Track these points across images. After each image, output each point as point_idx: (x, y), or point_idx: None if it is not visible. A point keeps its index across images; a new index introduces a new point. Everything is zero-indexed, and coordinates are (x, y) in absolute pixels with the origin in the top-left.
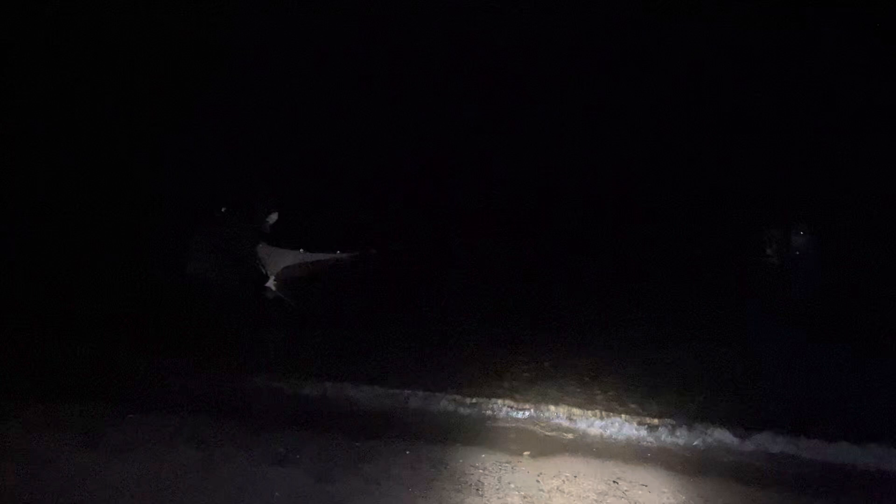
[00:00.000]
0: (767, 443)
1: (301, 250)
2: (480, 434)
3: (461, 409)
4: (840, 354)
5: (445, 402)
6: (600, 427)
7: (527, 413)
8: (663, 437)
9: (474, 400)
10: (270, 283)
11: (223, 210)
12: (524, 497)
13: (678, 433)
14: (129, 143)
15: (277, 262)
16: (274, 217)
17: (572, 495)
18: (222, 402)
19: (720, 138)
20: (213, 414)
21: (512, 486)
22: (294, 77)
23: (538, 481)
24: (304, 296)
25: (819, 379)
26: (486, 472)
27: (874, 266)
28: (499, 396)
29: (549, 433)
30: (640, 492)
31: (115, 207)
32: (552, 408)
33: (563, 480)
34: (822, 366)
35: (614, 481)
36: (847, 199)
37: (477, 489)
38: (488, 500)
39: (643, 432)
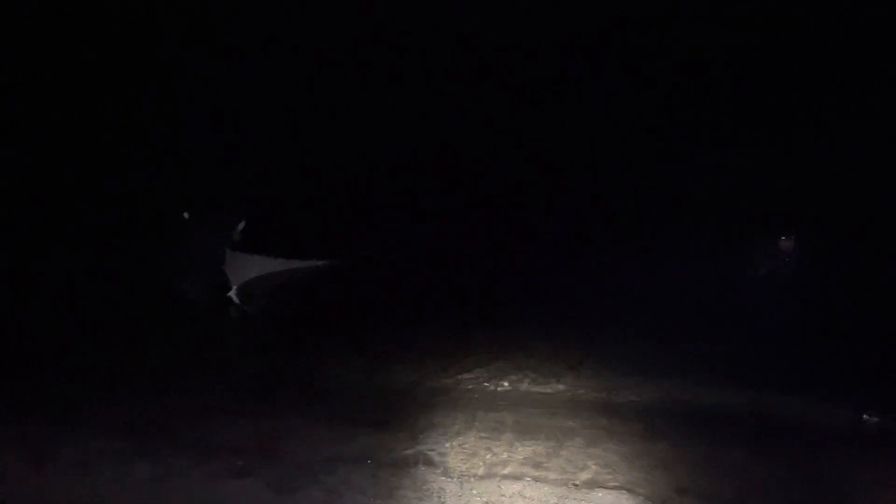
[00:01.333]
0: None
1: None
2: (444, 440)
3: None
4: None
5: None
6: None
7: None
8: None
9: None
10: (233, 293)
11: (186, 216)
12: (486, 503)
13: None
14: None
15: (244, 271)
16: (242, 224)
17: (533, 499)
18: (177, 418)
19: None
20: (168, 431)
21: (474, 491)
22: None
23: (500, 486)
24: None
25: None
26: (449, 478)
27: None
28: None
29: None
30: (600, 494)
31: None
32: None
33: (525, 485)
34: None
35: (575, 484)
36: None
37: (439, 496)
38: None
39: None
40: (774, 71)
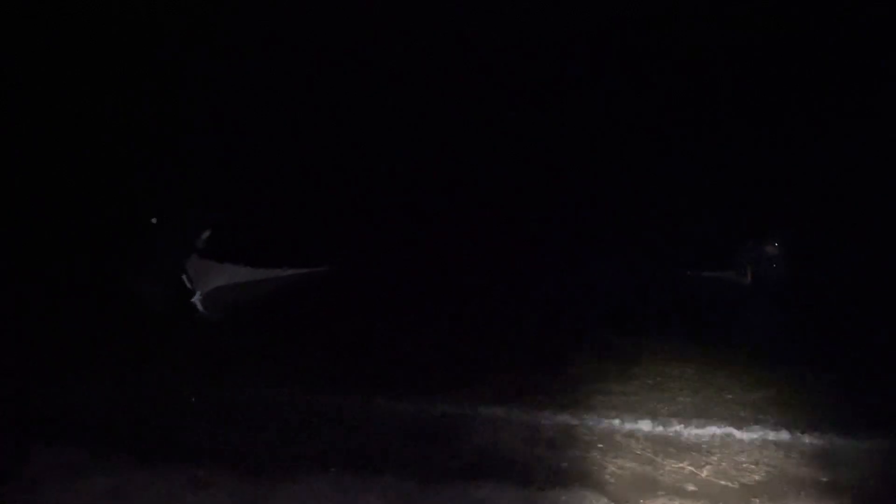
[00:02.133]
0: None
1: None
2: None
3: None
4: None
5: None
6: None
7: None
8: None
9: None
10: (196, 299)
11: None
12: None
13: None
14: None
15: (210, 278)
16: (208, 232)
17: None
18: (135, 429)
19: None
20: (127, 442)
21: (440, 496)
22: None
23: (466, 490)
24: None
25: None
26: (414, 483)
27: None
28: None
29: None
30: (564, 497)
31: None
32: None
33: (491, 489)
34: None
35: (540, 487)
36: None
37: (405, 501)
38: None
39: None
40: (770, 73)
